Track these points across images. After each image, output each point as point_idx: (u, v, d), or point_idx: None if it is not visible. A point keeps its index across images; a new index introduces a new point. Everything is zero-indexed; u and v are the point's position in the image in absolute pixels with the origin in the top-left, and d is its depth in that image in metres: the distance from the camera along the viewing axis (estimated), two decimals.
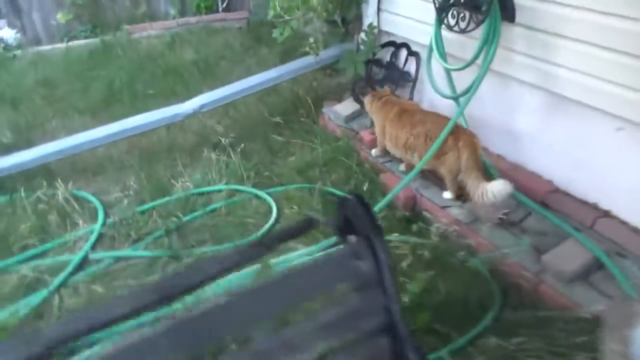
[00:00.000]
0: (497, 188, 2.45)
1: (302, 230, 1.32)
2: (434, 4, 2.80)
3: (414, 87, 3.46)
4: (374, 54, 3.61)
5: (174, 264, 2.44)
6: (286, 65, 3.54)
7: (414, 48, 3.47)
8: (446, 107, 3.08)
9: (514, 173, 2.80)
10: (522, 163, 2.90)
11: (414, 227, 2.70)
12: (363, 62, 3.44)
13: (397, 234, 2.54)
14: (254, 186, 3.07)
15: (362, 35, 3.59)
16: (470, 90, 2.60)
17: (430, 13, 3.04)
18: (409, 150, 2.89)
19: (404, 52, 3.56)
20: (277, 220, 2.77)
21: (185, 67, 4.59)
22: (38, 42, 5.46)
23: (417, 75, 3.44)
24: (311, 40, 3.35)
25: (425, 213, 2.80)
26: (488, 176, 2.65)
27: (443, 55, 2.88)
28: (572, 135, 2.60)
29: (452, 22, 2.73)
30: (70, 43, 5.15)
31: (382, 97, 3.14)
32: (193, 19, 5.75)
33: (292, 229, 1.39)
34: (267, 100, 4.00)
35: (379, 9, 3.57)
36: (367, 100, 3.26)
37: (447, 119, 2.75)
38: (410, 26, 3.39)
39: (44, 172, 3.12)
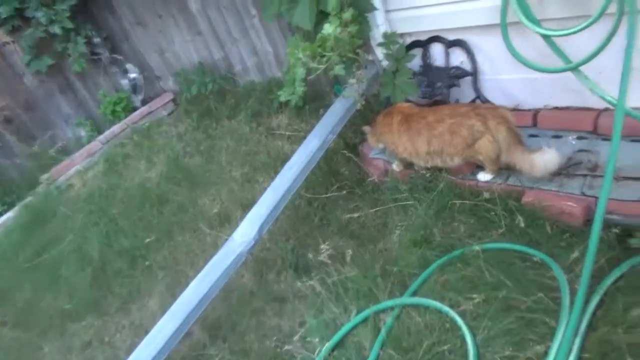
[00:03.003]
0: (547, 159, 2.26)
1: None
2: None
3: (476, 80, 2.77)
4: None
5: None
6: (324, 121, 2.66)
7: (450, 37, 2.79)
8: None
9: None
10: None
11: (634, 242, 2.01)
12: (409, 79, 2.67)
13: None
14: (392, 295, 2.20)
15: (380, 50, 2.84)
16: (628, 47, 1.92)
17: None
18: (435, 156, 2.49)
19: (436, 49, 2.87)
20: (469, 327, 1.93)
21: (162, 189, 3.53)
22: None
23: (476, 65, 2.75)
24: (353, 80, 2.52)
25: (614, 216, 2.12)
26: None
27: (536, 21, 2.22)
28: None
29: None
30: None
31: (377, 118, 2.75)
32: (116, 129, 4.64)
33: None
34: None
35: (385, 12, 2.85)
36: (369, 133, 2.83)
37: (462, 105, 2.55)
38: (439, 14, 2.70)
39: None
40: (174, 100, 4.95)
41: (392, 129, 2.58)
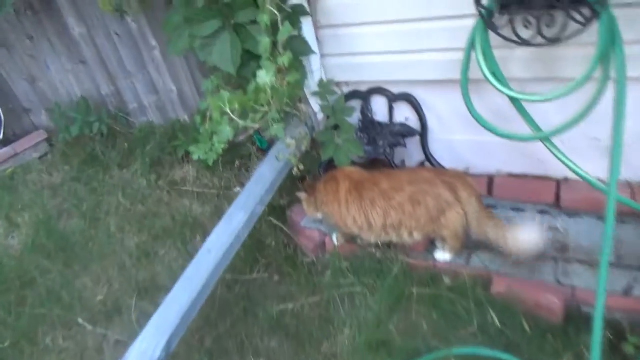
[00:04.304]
0: (528, 238, 1.92)
1: None
2: (479, 11, 1.78)
3: (425, 138, 2.43)
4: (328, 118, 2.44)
5: None
6: (251, 189, 2.08)
7: (395, 90, 2.42)
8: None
9: None
10: None
11: (629, 348, 1.72)
12: (353, 137, 2.24)
13: None
14: None
15: (314, 100, 2.38)
16: (618, 121, 1.65)
17: (420, 37, 2.16)
18: (392, 230, 2.07)
19: (377, 102, 2.48)
20: None
21: (26, 264, 2.67)
22: None
23: (425, 123, 2.40)
24: (289, 140, 2.00)
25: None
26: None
27: (505, 81, 1.91)
28: None
29: (522, 31, 1.75)
30: None
31: (316, 183, 2.27)
32: None
33: None
34: None
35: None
36: (306, 201, 2.33)
37: (423, 170, 2.21)
38: (383, 63, 2.33)
39: None
40: (48, 140, 4.04)
41: (339, 198, 2.11)
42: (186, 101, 3.41)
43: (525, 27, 1.73)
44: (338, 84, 2.52)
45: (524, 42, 1.76)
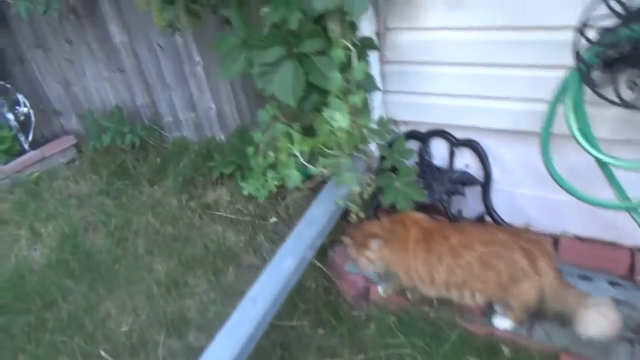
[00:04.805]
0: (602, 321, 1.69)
1: None
2: (578, 65, 1.62)
3: (488, 189, 2.25)
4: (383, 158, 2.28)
5: None
6: (300, 231, 1.92)
7: (457, 134, 2.26)
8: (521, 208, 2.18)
9: None
10: None
11: None
12: (414, 182, 2.08)
13: None
14: None
15: (373, 139, 2.22)
16: None
17: (496, 84, 2.01)
18: (454, 288, 1.88)
19: (436, 145, 2.33)
20: None
21: (48, 282, 2.53)
22: None
23: (490, 172, 2.23)
24: (356, 188, 1.84)
25: None
26: None
27: (594, 142, 1.74)
28: None
29: (624, 91, 1.59)
30: None
31: (377, 229, 1.95)
32: None
33: None
34: None
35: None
36: (367, 253, 1.96)
37: (498, 230, 1.94)
38: (449, 106, 2.17)
39: None
40: (77, 145, 3.93)
41: (407, 246, 1.90)
42: (224, 120, 3.28)
43: (630, 88, 1.57)
44: (396, 123, 2.37)
45: (626, 105, 1.59)
